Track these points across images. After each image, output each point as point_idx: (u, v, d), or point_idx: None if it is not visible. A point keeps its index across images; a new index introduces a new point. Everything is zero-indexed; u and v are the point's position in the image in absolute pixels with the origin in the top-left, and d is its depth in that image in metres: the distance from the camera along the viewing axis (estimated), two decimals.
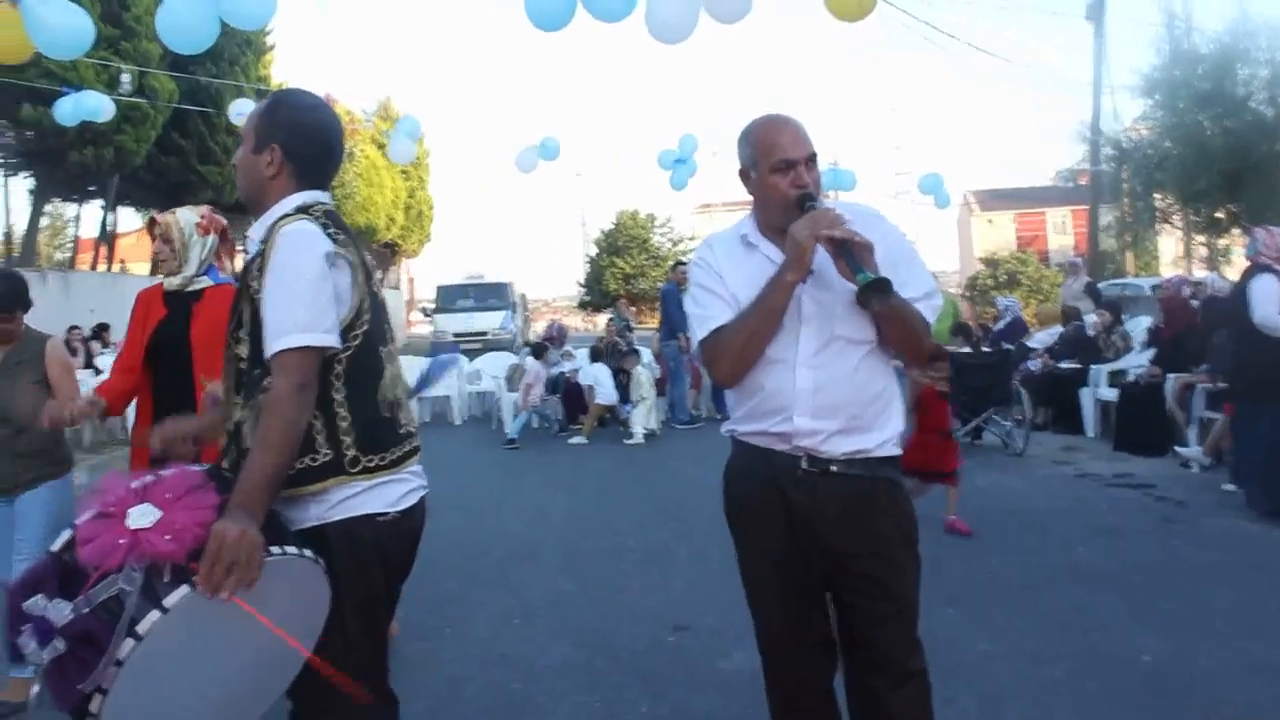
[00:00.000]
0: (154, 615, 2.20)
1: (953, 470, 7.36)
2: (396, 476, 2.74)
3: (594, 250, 70.34)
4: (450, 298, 30.94)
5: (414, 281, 57.01)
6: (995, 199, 60.69)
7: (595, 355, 14.71)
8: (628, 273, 65.51)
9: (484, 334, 27.89)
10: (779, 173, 2.90)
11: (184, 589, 2.25)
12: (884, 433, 2.92)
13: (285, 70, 39.62)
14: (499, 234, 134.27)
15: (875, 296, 2.65)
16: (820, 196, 2.93)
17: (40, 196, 19.60)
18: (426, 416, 16.00)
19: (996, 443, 11.50)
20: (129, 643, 2.18)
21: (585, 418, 13.60)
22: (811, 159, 2.92)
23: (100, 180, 19.30)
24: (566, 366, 14.38)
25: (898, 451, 2.96)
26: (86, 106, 11.52)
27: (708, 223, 71.37)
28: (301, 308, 2.52)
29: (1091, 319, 13.83)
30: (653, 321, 46.14)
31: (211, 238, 4.64)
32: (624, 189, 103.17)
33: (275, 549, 2.38)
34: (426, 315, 33.61)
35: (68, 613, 2.23)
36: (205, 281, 4.59)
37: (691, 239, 70.22)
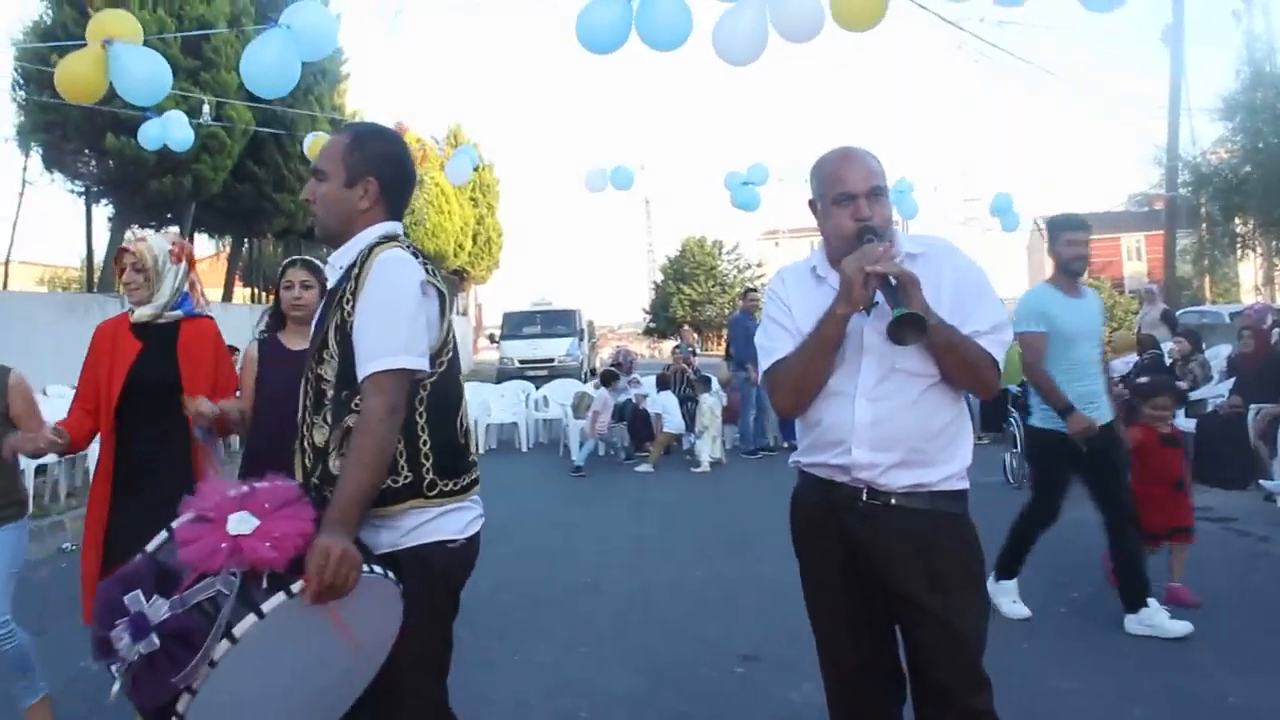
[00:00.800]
0: (251, 619, 2.26)
1: (1188, 526, 6.39)
2: (463, 504, 2.81)
3: (660, 277, 70.46)
4: (517, 324, 31.08)
5: (482, 308, 57.38)
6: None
7: (662, 384, 14.69)
8: (694, 299, 65.53)
9: (550, 360, 27.98)
10: (841, 205, 2.92)
11: (280, 596, 2.31)
12: (948, 467, 2.88)
13: (359, 99, 40.21)
14: (566, 261, 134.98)
15: (909, 332, 2.64)
16: (887, 229, 2.90)
17: (119, 224, 19.96)
18: (494, 443, 16.05)
19: None
20: (224, 644, 2.23)
21: (652, 445, 13.55)
22: (874, 192, 2.90)
23: (177, 208, 19.64)
24: (633, 394, 14.35)
25: (963, 485, 2.92)
26: (173, 134, 11.74)
27: (774, 250, 71.36)
28: (398, 332, 2.61)
29: (1169, 346, 13.56)
30: (719, 348, 46.03)
31: (183, 265, 4.44)
32: (692, 216, 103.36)
33: (364, 568, 2.45)
34: (493, 342, 33.80)
35: (165, 611, 2.27)
36: (176, 314, 4.38)
37: (758, 265, 70.12)
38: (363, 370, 2.59)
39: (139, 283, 4.30)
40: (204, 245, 30.35)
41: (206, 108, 13.57)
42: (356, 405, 2.61)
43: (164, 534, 2.48)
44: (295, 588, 2.34)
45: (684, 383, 14.51)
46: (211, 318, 4.57)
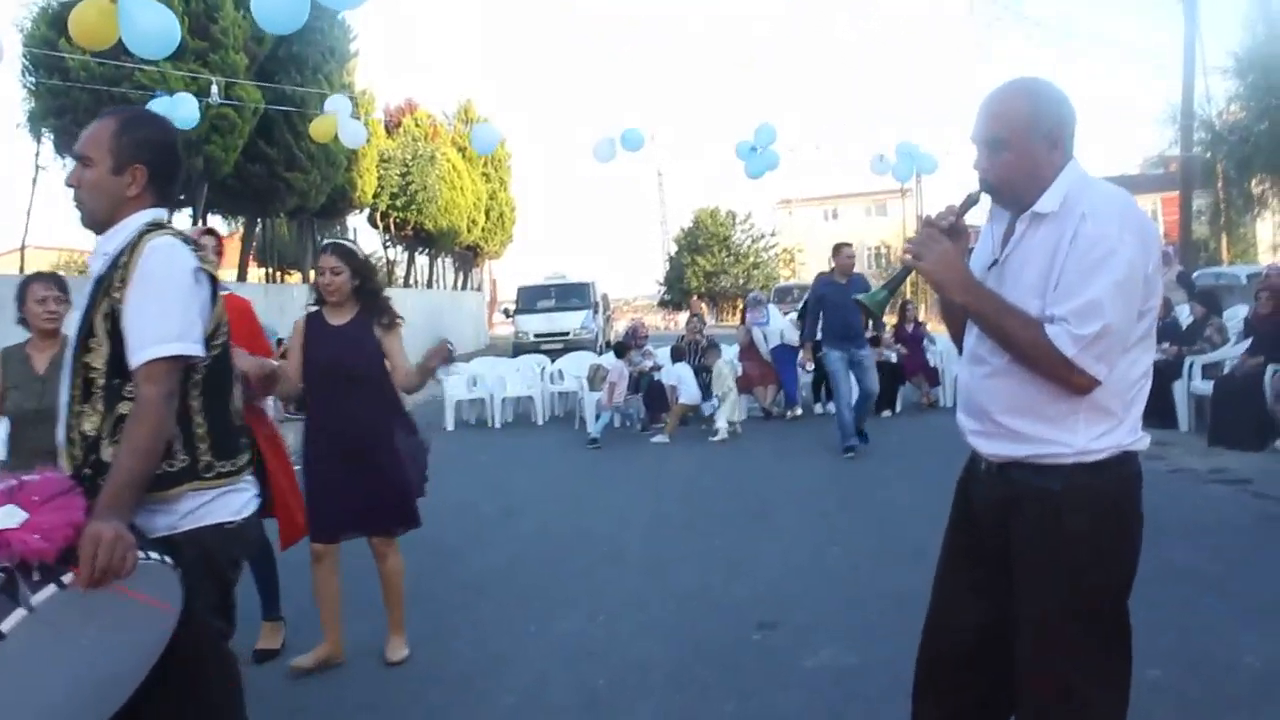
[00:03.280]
0: (19, 613, 2.21)
1: None
2: (239, 485, 2.86)
3: (674, 249, 70.39)
4: (531, 298, 31.14)
5: (496, 283, 57.42)
6: None
7: (677, 355, 14.68)
8: (708, 270, 65.48)
9: (565, 334, 28.02)
10: (975, 148, 2.74)
11: (51, 588, 2.27)
12: (1044, 445, 2.64)
13: (368, 77, 40.17)
14: (580, 234, 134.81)
15: (867, 313, 2.70)
16: (1010, 184, 2.68)
17: None
18: (510, 417, 16.08)
19: None
20: None
21: (668, 416, 13.57)
22: (990, 143, 2.67)
23: (190, 189, 19.68)
24: (648, 365, 14.36)
25: (1071, 460, 2.63)
26: (179, 112, 11.78)
27: (788, 218, 71.17)
28: (173, 318, 2.64)
29: (1185, 309, 13.49)
30: (733, 319, 45.84)
31: (211, 244, 4.89)
32: (705, 187, 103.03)
33: (140, 553, 2.42)
34: (508, 316, 33.87)
35: None
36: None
37: (772, 234, 70.03)
38: (137, 358, 2.61)
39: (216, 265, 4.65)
40: (218, 226, 30.43)
41: (215, 88, 13.58)
42: (129, 392, 2.64)
43: None
44: (66, 579, 2.30)
45: (698, 353, 14.53)
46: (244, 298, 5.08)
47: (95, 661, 2.44)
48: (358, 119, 14.14)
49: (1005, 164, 2.65)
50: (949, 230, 2.71)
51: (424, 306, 35.66)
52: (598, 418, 13.48)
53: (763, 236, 69.88)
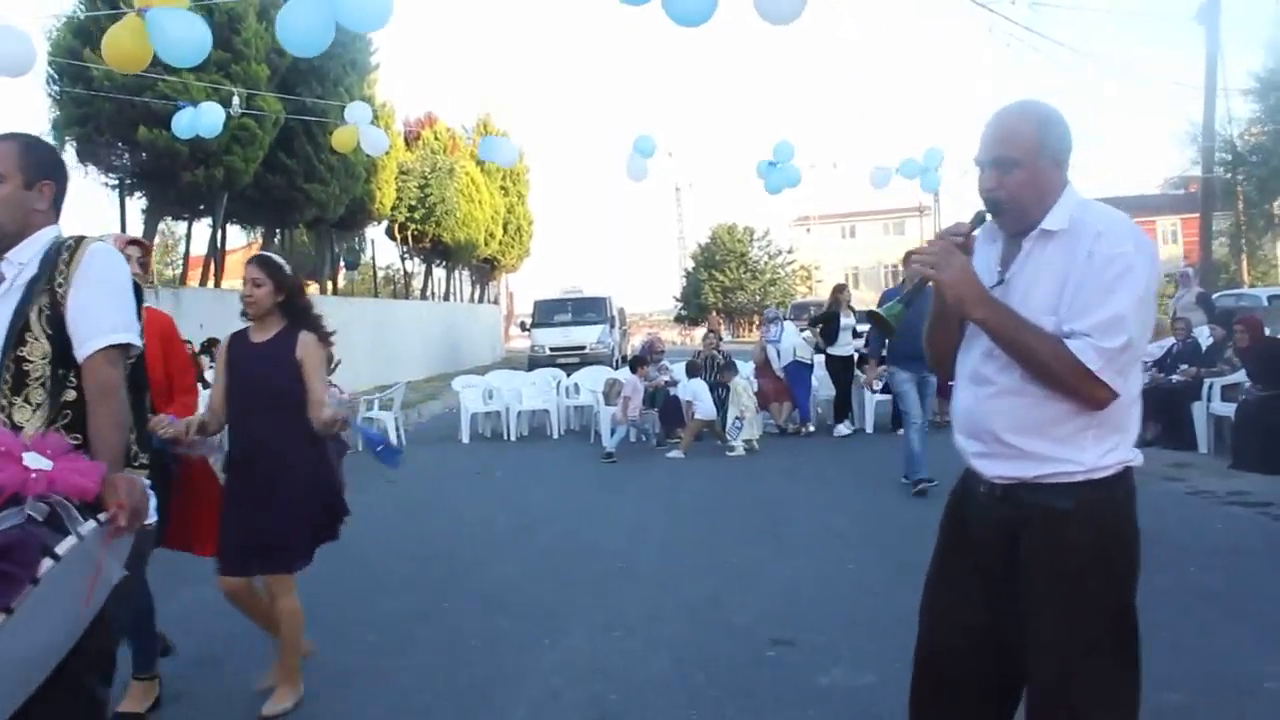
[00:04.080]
0: (71, 540, 2.33)
1: None
2: (147, 481, 2.92)
3: (691, 264, 70.44)
4: (548, 312, 31.18)
5: (513, 296, 57.48)
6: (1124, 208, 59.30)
7: (692, 370, 14.67)
8: (726, 286, 65.50)
9: (582, 348, 28.05)
10: (980, 169, 2.77)
11: (91, 523, 2.41)
12: (1053, 465, 2.64)
13: (388, 89, 40.29)
14: (597, 248, 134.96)
15: (878, 327, 2.86)
16: (1018, 200, 2.69)
17: (153, 216, 20.11)
18: (525, 430, 16.08)
19: None
20: (47, 562, 2.27)
21: (683, 432, 13.55)
22: (998, 162, 2.68)
23: (210, 199, 19.76)
24: (664, 380, 14.35)
25: (1081, 478, 2.63)
26: (204, 121, 11.85)
27: (805, 236, 71.21)
28: (122, 311, 2.93)
29: (1205, 330, 13.43)
30: (751, 335, 45.79)
31: (135, 254, 4.82)
32: (723, 203, 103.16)
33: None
34: (525, 330, 33.91)
35: None
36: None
37: (789, 251, 70.05)
38: (92, 345, 2.82)
39: (143, 278, 4.63)
40: (237, 236, 30.47)
41: (236, 99, 13.66)
42: (71, 381, 2.83)
43: None
44: (103, 517, 2.46)
45: (714, 368, 14.51)
46: (161, 310, 4.95)
47: (60, 622, 2.52)
48: (375, 124, 14.17)
49: (1016, 182, 2.67)
50: (961, 246, 2.73)
51: (441, 319, 35.77)
52: (613, 432, 13.47)
53: (780, 253, 69.93)
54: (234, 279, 30.58)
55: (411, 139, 34.16)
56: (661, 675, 5.12)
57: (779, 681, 4.95)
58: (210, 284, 22.29)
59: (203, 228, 23.72)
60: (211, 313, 17.33)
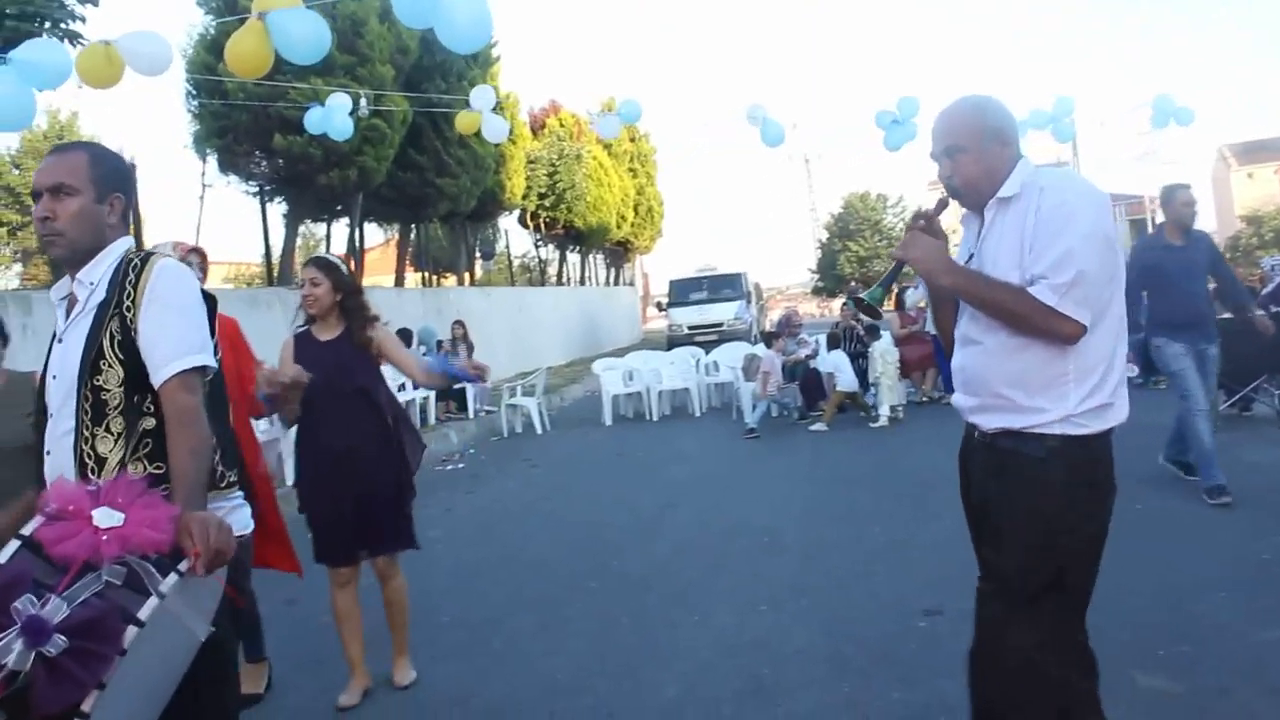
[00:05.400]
0: (153, 601, 2.24)
1: None
2: (240, 498, 2.98)
3: (824, 235, 69.70)
4: (684, 291, 31.20)
5: (648, 277, 57.71)
6: (1255, 151, 56.98)
7: (833, 342, 14.53)
8: (861, 255, 64.61)
9: (719, 325, 28.01)
10: (936, 162, 3.14)
11: (173, 576, 2.30)
12: (1038, 415, 2.93)
13: (511, 80, 40.68)
14: (730, 225, 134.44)
15: (863, 312, 3.19)
16: (974, 184, 3.06)
17: (293, 220, 20.68)
18: (667, 410, 16.15)
19: (1269, 414, 10.73)
20: (131, 630, 2.20)
21: (825, 404, 13.45)
22: (948, 151, 3.06)
23: (346, 200, 20.23)
24: (803, 353, 14.25)
25: (1059, 430, 2.91)
26: (334, 120, 12.12)
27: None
28: (195, 332, 2.77)
29: None
30: (888, 303, 45.14)
31: (195, 261, 4.90)
32: (855, 173, 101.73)
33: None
34: (661, 310, 33.99)
35: (65, 608, 2.17)
36: None
37: None
38: (167, 370, 2.68)
39: (202, 282, 4.75)
40: (374, 234, 31.17)
41: (364, 101, 13.94)
42: (149, 408, 2.71)
43: (15, 542, 2.33)
44: (183, 566, 2.33)
45: (854, 339, 14.35)
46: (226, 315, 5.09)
47: (182, 645, 2.50)
48: (500, 114, 14.32)
49: (964, 165, 3.05)
50: (926, 229, 3.15)
51: (578, 304, 36.04)
52: (754, 408, 13.44)
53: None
54: (375, 275, 31.38)
55: (537, 127, 34.43)
56: (811, 647, 5.11)
57: (929, 651, 4.89)
58: None
59: (341, 228, 24.33)
60: None
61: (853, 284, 31.06)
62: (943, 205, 3.24)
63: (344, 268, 5.11)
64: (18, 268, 34.67)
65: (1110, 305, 2.91)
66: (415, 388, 14.25)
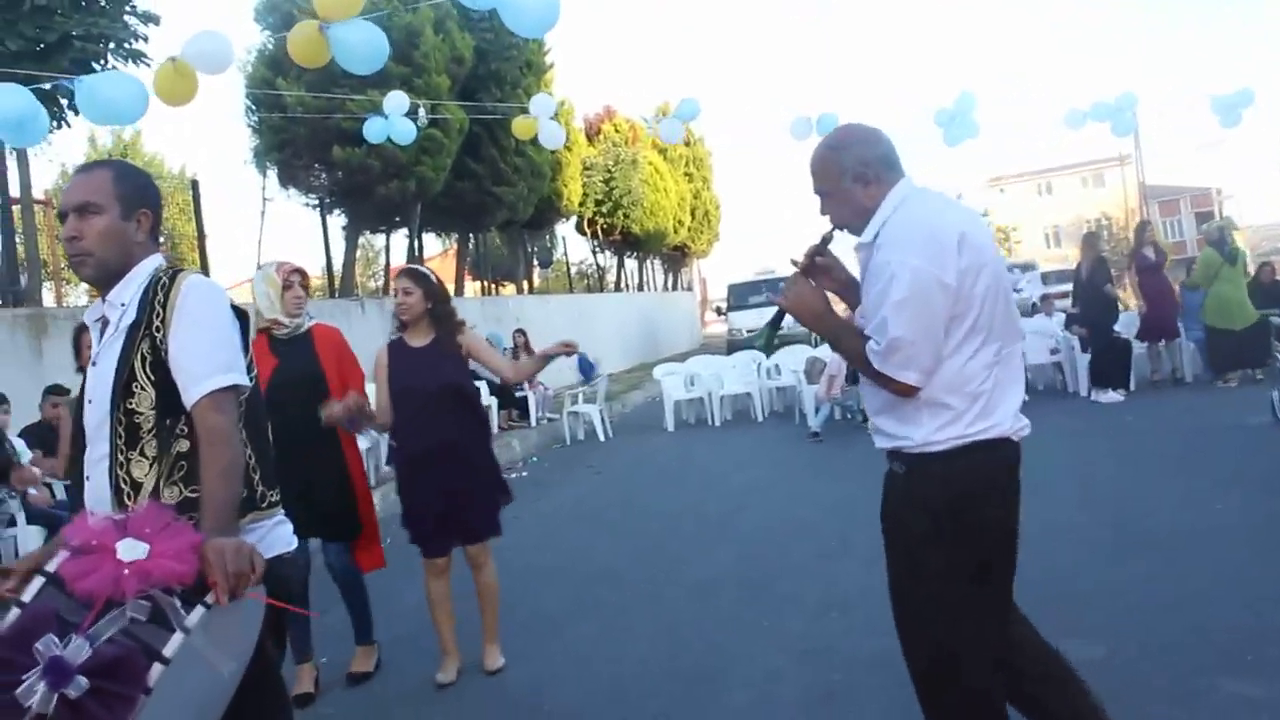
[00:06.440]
0: (179, 637, 2.20)
1: None
2: (282, 516, 2.91)
3: None
4: (743, 295, 31.09)
5: (706, 282, 57.53)
6: None
7: None
8: None
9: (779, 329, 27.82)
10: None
11: (199, 609, 2.25)
12: (896, 440, 3.07)
13: (565, 87, 40.74)
14: (787, 228, 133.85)
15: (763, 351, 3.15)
16: (850, 225, 3.15)
17: (353, 231, 20.86)
18: (729, 415, 16.08)
19: None
20: (156, 668, 2.16)
21: None
22: (818, 194, 3.17)
23: (404, 210, 20.36)
24: None
25: (915, 450, 3.01)
26: (395, 127, 12.21)
27: (1000, 196, 69.12)
28: (225, 350, 2.72)
29: None
30: None
31: (297, 281, 5.34)
32: (912, 170, 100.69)
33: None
34: (721, 314, 33.87)
35: (87, 649, 2.13)
36: (310, 321, 5.40)
37: (984, 214, 68.00)
38: (198, 391, 2.64)
39: (303, 301, 5.32)
40: (433, 244, 31.37)
41: (422, 111, 14.02)
42: (182, 430, 2.68)
43: (40, 579, 2.31)
44: (209, 598, 2.28)
45: None
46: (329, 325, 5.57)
47: (216, 674, 2.45)
48: (556, 121, 14.33)
49: (832, 208, 3.15)
50: (808, 268, 3.24)
51: (637, 310, 36.04)
52: (817, 411, 13.33)
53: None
54: None
55: (592, 134, 34.50)
56: (883, 653, 4.99)
57: None
58: None
59: (400, 238, 24.53)
60: None
61: None
62: (827, 240, 3.29)
63: (434, 277, 5.46)
64: (85, 286, 35.26)
65: (957, 345, 2.91)
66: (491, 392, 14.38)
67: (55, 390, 8.27)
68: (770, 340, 3.46)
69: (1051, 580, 5.86)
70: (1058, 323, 14.90)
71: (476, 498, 5.30)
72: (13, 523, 7.40)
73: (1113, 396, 13.04)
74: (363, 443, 6.10)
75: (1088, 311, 13.51)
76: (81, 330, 4.91)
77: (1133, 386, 13.48)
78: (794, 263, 3.26)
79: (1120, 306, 14.08)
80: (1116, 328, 13.53)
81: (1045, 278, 34.74)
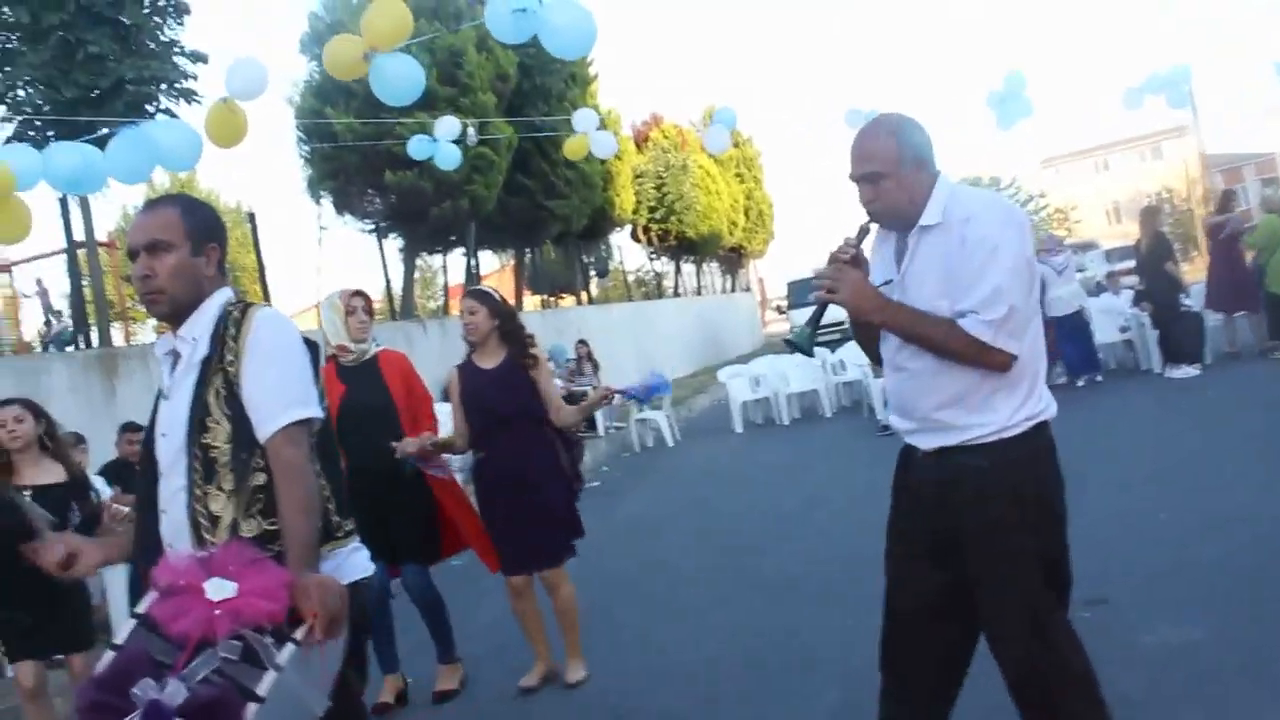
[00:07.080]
0: (271, 676, 2.21)
1: None
2: (358, 543, 2.89)
3: None
4: (802, 293, 30.89)
5: (763, 281, 57.35)
6: None
7: None
8: None
9: (842, 324, 27.45)
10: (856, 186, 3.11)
11: (290, 647, 2.27)
12: (969, 432, 3.00)
13: (611, 97, 40.80)
14: (842, 223, 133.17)
15: (793, 350, 3.32)
16: (887, 211, 3.07)
17: (410, 253, 21.02)
18: (796, 413, 15.98)
19: None
20: (251, 708, 2.17)
21: None
22: (867, 178, 3.03)
23: (458, 229, 20.48)
24: None
25: (995, 438, 2.98)
26: (443, 153, 12.28)
27: (1055, 177, 68.25)
28: (298, 383, 2.73)
29: None
30: None
31: (360, 305, 5.39)
32: (964, 156, 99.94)
33: None
34: (781, 313, 33.70)
35: (183, 691, 2.16)
36: (376, 347, 5.42)
37: (1040, 196, 67.31)
38: (272, 425, 2.63)
39: (368, 326, 5.36)
40: (489, 261, 31.52)
41: (471, 130, 14.09)
42: (258, 464, 2.65)
43: (131, 621, 2.36)
44: (299, 634, 2.31)
45: None
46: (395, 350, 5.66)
47: (305, 709, 2.46)
48: (604, 130, 14.32)
49: (887, 192, 3.02)
50: (852, 261, 3.09)
51: (697, 313, 35.98)
52: (886, 404, 13.17)
53: (1030, 199, 67.21)
54: None
55: (641, 141, 34.51)
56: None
57: (1100, 642, 4.61)
58: None
59: (456, 257, 24.69)
60: None
61: None
62: (865, 232, 3.19)
63: (497, 296, 5.48)
64: (153, 322, 35.87)
65: (1031, 322, 3.01)
66: None
67: (131, 427, 8.38)
68: (812, 339, 3.31)
69: (1135, 563, 5.75)
70: (1125, 300, 14.64)
71: (548, 524, 5.28)
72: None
73: (1187, 371, 12.72)
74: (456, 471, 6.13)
75: (1152, 288, 13.26)
76: None
77: (1209, 360, 13.20)
78: (835, 255, 3.15)
79: (1182, 282, 13.69)
80: (1186, 300, 13.26)
81: (1108, 255, 34.18)
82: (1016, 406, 2.97)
